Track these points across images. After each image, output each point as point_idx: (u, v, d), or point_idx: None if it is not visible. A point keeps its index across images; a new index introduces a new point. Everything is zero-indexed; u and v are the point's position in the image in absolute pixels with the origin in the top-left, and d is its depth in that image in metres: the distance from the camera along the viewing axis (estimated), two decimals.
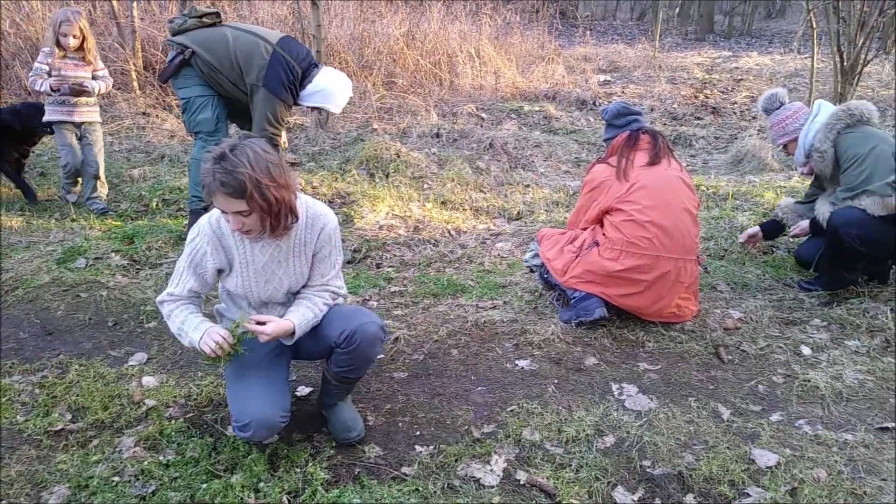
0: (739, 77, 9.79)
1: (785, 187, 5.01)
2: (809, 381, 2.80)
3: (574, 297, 3.18)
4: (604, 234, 3.12)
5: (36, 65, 4.67)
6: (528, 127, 7.27)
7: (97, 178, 4.85)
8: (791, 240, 3.99)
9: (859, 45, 6.24)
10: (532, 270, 3.52)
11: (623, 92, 9.00)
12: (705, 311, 3.35)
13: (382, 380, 2.87)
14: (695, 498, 2.20)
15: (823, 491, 2.20)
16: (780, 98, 3.59)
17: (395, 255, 4.17)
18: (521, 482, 2.28)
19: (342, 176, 5.35)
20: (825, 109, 3.44)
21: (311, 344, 2.40)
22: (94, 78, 4.78)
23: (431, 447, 2.45)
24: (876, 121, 3.37)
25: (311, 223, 2.33)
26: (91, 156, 4.81)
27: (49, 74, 4.63)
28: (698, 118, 7.74)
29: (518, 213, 4.84)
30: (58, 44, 4.64)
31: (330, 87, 4.11)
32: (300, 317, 2.28)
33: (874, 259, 3.42)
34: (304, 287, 2.41)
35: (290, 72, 4.00)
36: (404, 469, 2.35)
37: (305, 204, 2.33)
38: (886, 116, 6.91)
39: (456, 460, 2.37)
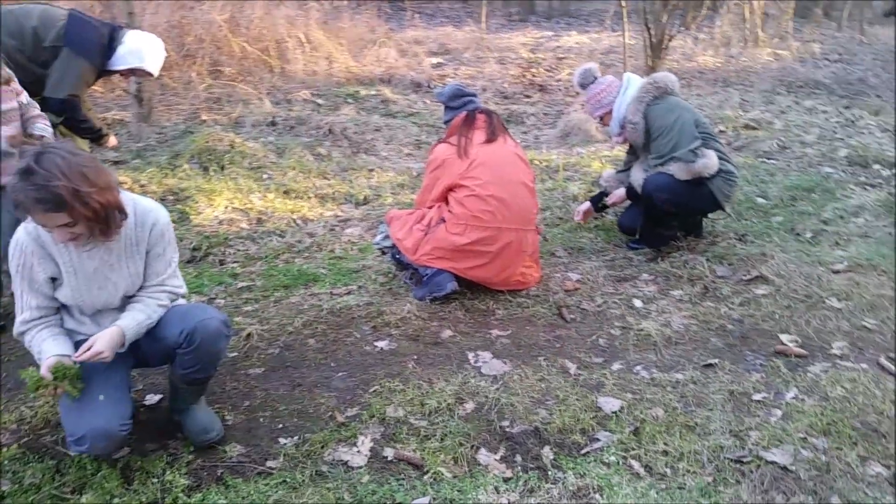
0: (562, 55, 10.36)
1: (609, 156, 5.40)
2: (643, 330, 3.07)
3: (426, 274, 3.25)
4: (449, 211, 3.21)
5: None
6: (367, 111, 7.26)
7: None
8: (618, 208, 4.31)
9: (664, 21, 6.83)
10: (383, 252, 3.55)
11: (456, 74, 9.22)
12: (547, 275, 3.55)
13: (237, 378, 2.78)
14: (551, 449, 2.36)
15: (662, 427, 2.44)
16: (593, 73, 3.84)
17: (238, 250, 4.03)
18: (389, 458, 2.32)
19: (172, 171, 5.06)
20: (634, 82, 3.74)
21: (151, 349, 2.28)
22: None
23: (296, 437, 2.42)
24: (678, 91, 3.73)
25: (142, 220, 2.19)
26: None
27: None
28: (527, 96, 8.12)
29: (365, 197, 4.84)
30: None
31: (141, 47, 3.81)
32: (129, 320, 2.15)
33: (686, 217, 3.82)
34: (139, 289, 2.27)
35: (93, 30, 3.69)
36: (269, 463, 2.30)
37: (133, 201, 2.19)
38: (691, 87, 7.64)
39: (322, 447, 2.36)
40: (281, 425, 2.49)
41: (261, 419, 2.53)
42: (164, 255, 2.26)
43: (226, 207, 4.52)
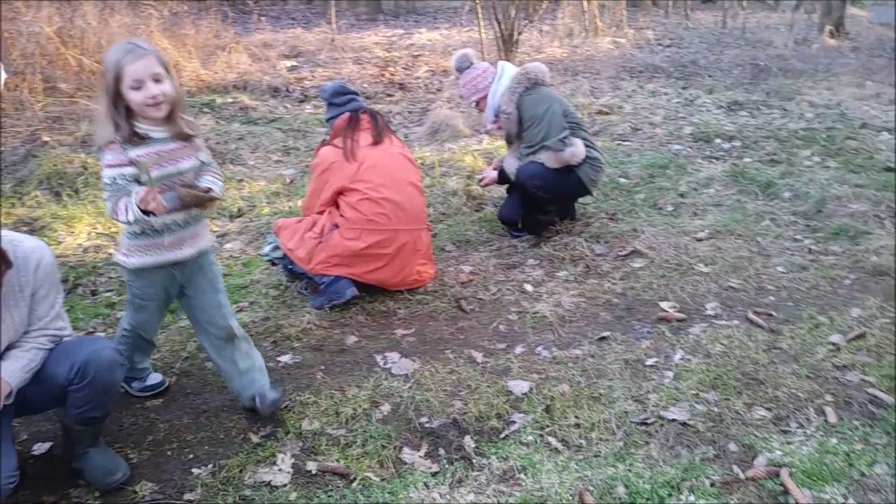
0: (417, 53, 10.49)
1: (479, 150, 5.56)
2: (538, 312, 3.21)
3: (323, 283, 3.21)
4: (342, 216, 3.18)
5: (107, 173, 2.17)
6: (226, 120, 6.98)
7: None
8: (497, 199, 4.45)
9: (513, 16, 7.10)
10: (274, 264, 3.46)
11: (312, 76, 9.08)
12: (441, 271, 3.62)
13: (135, 412, 2.61)
14: (472, 438, 2.42)
15: (570, 401, 2.57)
16: (470, 58, 3.93)
17: (111, 278, 3.76)
18: (313, 472, 2.27)
19: (20, 200, 4.63)
20: (508, 71, 3.88)
21: (37, 392, 2.08)
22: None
23: (210, 465, 2.32)
24: (549, 80, 3.92)
25: (24, 264, 2.00)
26: None
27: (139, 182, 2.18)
28: (389, 95, 8.15)
29: (239, 209, 4.67)
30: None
31: None
32: (13, 367, 1.98)
33: (559, 202, 4.03)
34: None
35: None
36: (187, 496, 2.19)
37: (12, 243, 1.99)
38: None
39: (241, 470, 2.28)
40: (192, 455, 2.38)
41: (168, 452, 2.40)
42: (47, 298, 2.08)
43: (88, 234, 4.20)
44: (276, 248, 3.34)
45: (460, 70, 3.93)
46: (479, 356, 2.89)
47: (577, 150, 3.69)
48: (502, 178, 3.94)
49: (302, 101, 7.78)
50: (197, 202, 2.26)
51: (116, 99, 2.11)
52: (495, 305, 3.32)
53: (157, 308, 2.48)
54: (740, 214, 4.23)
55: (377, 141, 3.25)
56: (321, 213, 3.27)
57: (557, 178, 3.71)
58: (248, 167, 5.59)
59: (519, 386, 2.67)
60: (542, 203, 3.92)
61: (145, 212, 2.10)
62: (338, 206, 3.23)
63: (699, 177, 4.90)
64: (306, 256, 3.20)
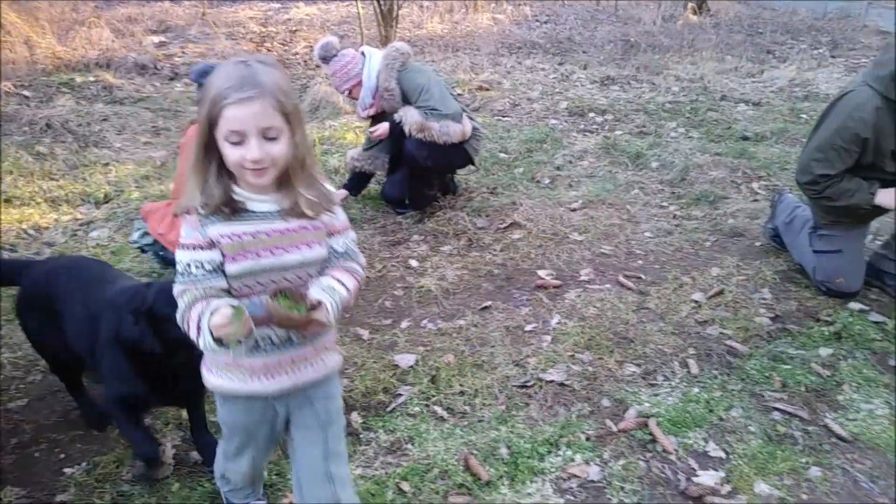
0: (294, 28, 10.18)
1: (361, 127, 5.50)
2: (423, 287, 3.25)
3: None
4: None
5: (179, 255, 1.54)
6: (88, 100, 6.53)
7: None
8: (380, 178, 4.42)
9: None
10: (144, 251, 3.29)
11: (183, 52, 8.63)
12: None
13: None
14: (359, 414, 2.43)
15: (454, 370, 2.63)
16: (334, 46, 3.83)
17: None
18: (198, 461, 2.22)
19: None
20: (374, 53, 3.83)
21: None
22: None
23: (84, 464, 2.21)
24: (413, 56, 3.92)
25: None
26: None
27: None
28: None
29: (105, 195, 4.40)
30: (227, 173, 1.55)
31: None
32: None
33: (444, 174, 4.07)
34: None
35: None
36: (59, 497, 2.09)
37: None
38: (424, 53, 7.99)
39: (117, 466, 2.19)
40: (63, 455, 2.26)
41: (36, 454, 2.26)
42: None
43: None
44: (146, 234, 3.18)
45: (325, 59, 3.81)
46: (365, 333, 2.90)
47: (466, 128, 3.74)
48: (394, 130, 3.85)
49: (172, 79, 7.39)
50: (290, 325, 1.46)
51: (209, 145, 1.42)
52: (381, 282, 3.33)
53: (249, 445, 1.73)
54: (612, 185, 4.44)
55: None
56: None
57: (444, 148, 3.73)
58: (114, 150, 5.27)
59: (405, 359, 2.71)
60: (427, 176, 3.94)
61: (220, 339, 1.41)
62: None
63: (574, 150, 5.09)
64: (177, 240, 3.06)
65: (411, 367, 2.67)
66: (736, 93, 6.80)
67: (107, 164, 4.92)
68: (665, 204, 4.22)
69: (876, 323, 2.98)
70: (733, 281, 3.32)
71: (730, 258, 3.53)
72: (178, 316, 1.48)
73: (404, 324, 2.97)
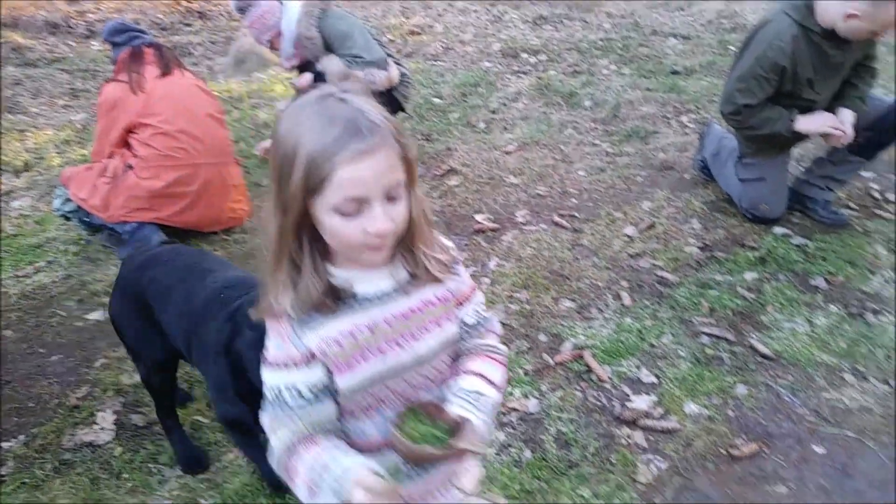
0: None
1: (290, 77, 5.35)
2: None
3: (126, 232, 3.01)
4: (135, 155, 2.96)
5: (268, 377, 1.18)
6: None
7: None
8: None
9: None
10: (67, 218, 3.17)
11: (98, 9, 8.18)
12: (258, 207, 3.51)
13: None
14: None
15: None
16: None
17: None
18: (140, 425, 2.21)
19: None
20: (291, 2, 3.69)
21: None
22: None
23: (22, 436, 2.18)
24: (334, 2, 3.80)
25: None
26: None
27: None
28: (187, 24, 7.55)
29: (25, 163, 4.20)
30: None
31: None
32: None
33: None
34: None
35: None
36: None
37: None
38: (353, 0, 7.77)
39: (58, 436, 2.17)
40: None
41: None
42: None
43: None
44: (68, 200, 3.07)
45: (242, 10, 3.65)
46: None
47: (393, 75, 3.67)
48: (319, 80, 3.76)
49: (88, 38, 7.02)
50: (428, 461, 1.09)
51: (301, 221, 1.01)
52: None
53: None
54: (546, 125, 4.46)
55: (166, 73, 3.03)
56: (112, 155, 3.03)
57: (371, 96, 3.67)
58: (30, 115, 5.02)
59: None
60: None
61: None
62: (129, 147, 3.01)
63: (508, 92, 5.07)
64: (101, 204, 2.97)
65: None
66: (666, 27, 6.85)
67: (23, 131, 4.69)
68: (598, 142, 4.27)
69: (798, 246, 3.12)
70: (664, 213, 3.41)
71: (660, 191, 3.62)
72: (274, 462, 1.13)
73: None
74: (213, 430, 2.19)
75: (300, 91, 3.86)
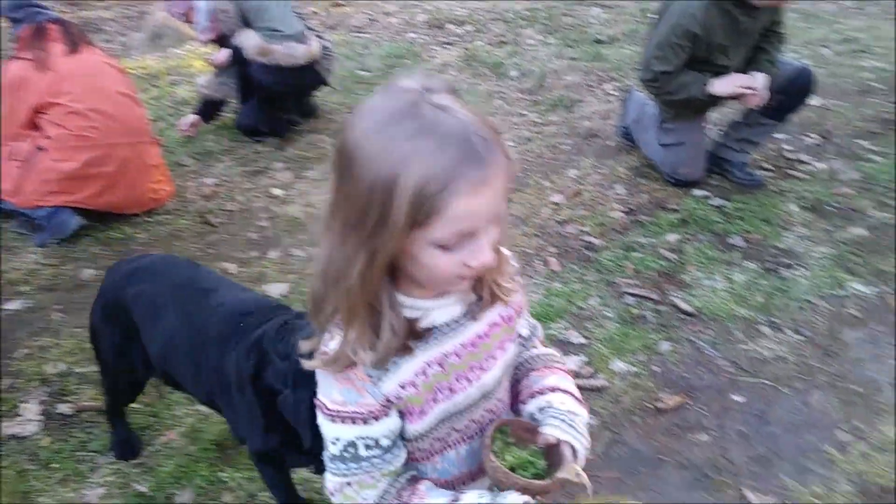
0: None
1: (209, 53, 5.19)
2: (289, 214, 3.20)
3: (40, 217, 2.88)
4: (47, 137, 2.83)
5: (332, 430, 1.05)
6: None
7: None
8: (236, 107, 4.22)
9: None
10: None
11: None
12: (180, 187, 3.41)
13: None
14: None
15: None
16: None
17: None
18: (68, 414, 2.15)
19: None
20: None
21: None
22: None
23: None
24: None
25: None
26: None
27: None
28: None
29: None
30: None
31: None
32: None
33: (297, 96, 3.94)
34: None
35: None
36: None
37: None
38: None
39: None
40: None
41: None
42: None
43: None
44: None
45: None
46: (232, 267, 2.84)
47: (313, 47, 3.61)
48: (237, 57, 3.65)
49: None
50: (521, 489, 0.96)
51: (393, 260, 0.87)
52: (244, 214, 3.24)
53: None
54: (473, 96, 4.47)
55: (73, 50, 2.89)
56: (21, 138, 2.88)
57: (293, 71, 3.60)
58: None
59: (276, 289, 2.69)
60: (281, 101, 3.81)
61: None
62: (39, 128, 2.87)
63: (435, 63, 5.06)
64: (13, 189, 2.83)
65: (283, 296, 2.65)
66: None
67: None
68: (525, 112, 4.32)
69: (717, 207, 3.25)
70: (590, 180, 3.49)
71: (586, 159, 3.70)
72: None
73: (273, 254, 2.93)
74: (145, 414, 2.15)
75: (218, 67, 3.78)
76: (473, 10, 6.41)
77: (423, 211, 0.77)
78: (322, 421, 0.96)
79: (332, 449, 0.96)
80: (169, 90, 4.51)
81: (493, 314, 1.01)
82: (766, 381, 2.31)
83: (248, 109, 3.83)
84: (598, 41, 5.58)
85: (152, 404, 2.17)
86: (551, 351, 1.16)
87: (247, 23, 3.56)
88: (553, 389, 1.06)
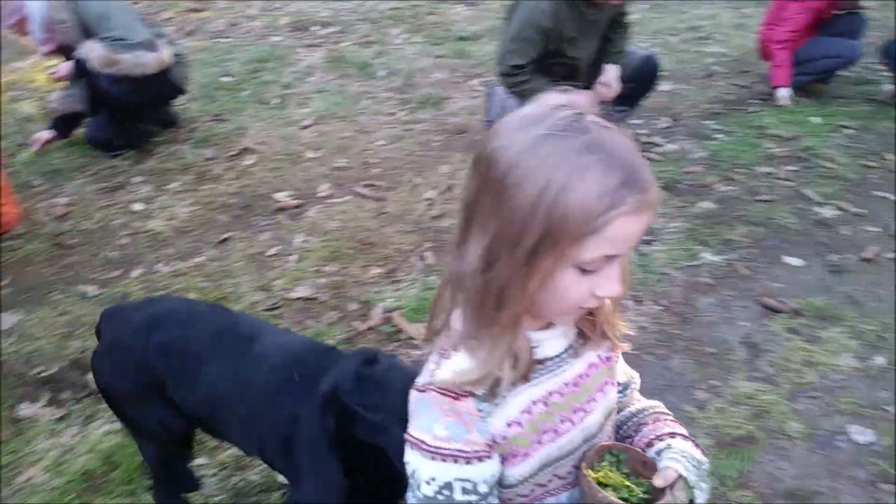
0: None
1: (54, 65, 4.86)
2: (151, 230, 3.06)
3: None
4: None
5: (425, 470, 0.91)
6: None
7: None
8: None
9: None
10: None
11: None
12: (29, 209, 3.19)
13: None
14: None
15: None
16: None
17: None
18: None
19: None
20: None
21: None
22: None
23: None
24: None
25: None
26: None
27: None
28: None
29: None
30: None
31: None
32: None
33: (153, 107, 3.77)
34: None
35: None
36: None
37: None
38: None
39: None
40: None
41: None
42: None
43: None
44: None
45: None
46: (92, 289, 2.69)
47: (164, 55, 3.46)
48: (81, 70, 3.45)
49: None
50: None
51: (548, 269, 0.79)
52: (102, 233, 3.07)
53: None
54: (341, 98, 4.45)
55: None
56: None
57: (144, 81, 3.43)
58: None
59: None
60: (134, 112, 3.62)
61: None
62: None
63: (301, 66, 4.99)
64: None
65: None
66: None
67: None
68: (394, 111, 4.34)
69: None
70: (460, 175, 3.55)
71: (456, 154, 3.76)
72: None
73: (136, 272, 2.79)
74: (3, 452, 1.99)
75: (61, 81, 3.55)
76: (338, 10, 6.37)
77: (585, 229, 0.75)
78: (416, 458, 0.88)
79: (424, 489, 0.87)
80: (12, 106, 4.19)
81: (592, 354, 0.98)
82: (632, 351, 2.44)
83: (99, 123, 3.62)
84: (463, 38, 5.69)
85: (7, 441, 2.02)
86: (656, 402, 1.11)
87: (89, 32, 3.36)
88: (672, 435, 1.01)
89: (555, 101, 0.80)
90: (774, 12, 4.58)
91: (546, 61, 3.23)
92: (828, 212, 3.17)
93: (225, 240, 2.99)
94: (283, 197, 3.32)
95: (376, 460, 1.29)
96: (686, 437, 1.00)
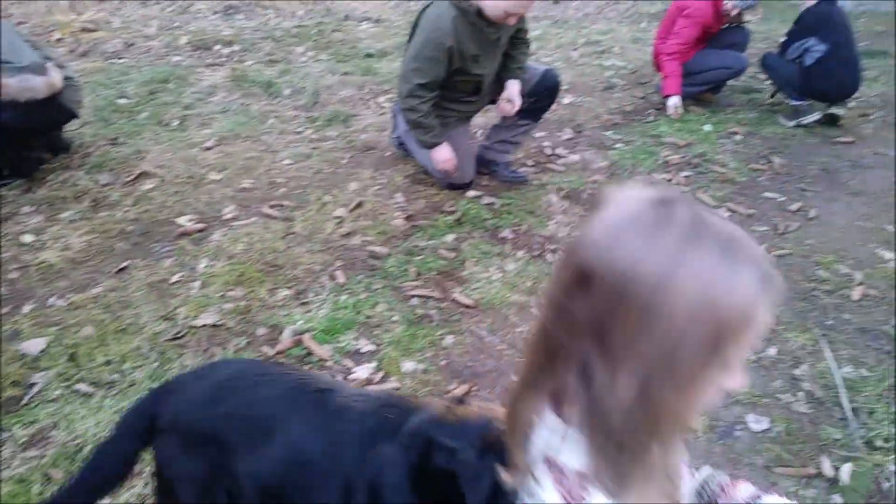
0: None
1: None
2: (43, 262, 2.89)
3: None
4: None
5: None
6: None
7: None
8: None
9: None
10: None
11: None
12: None
13: None
14: None
15: (96, 342, 2.43)
16: None
17: None
18: None
19: None
20: None
21: None
22: None
23: None
24: None
25: None
26: None
27: None
28: None
29: None
30: None
31: None
32: None
33: (43, 133, 3.58)
34: None
35: None
36: None
37: None
38: None
39: None
40: None
41: None
42: None
43: None
44: None
45: None
46: None
47: (54, 79, 3.30)
48: None
49: None
50: None
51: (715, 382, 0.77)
52: None
53: None
54: (245, 117, 4.37)
55: None
56: None
57: (33, 106, 3.26)
58: None
59: (34, 345, 2.42)
60: (22, 138, 3.42)
61: None
62: None
63: (203, 86, 4.87)
64: None
65: (43, 351, 2.40)
66: (357, 11, 7.09)
67: None
68: (301, 129, 4.30)
69: (487, 205, 3.46)
70: (370, 192, 3.55)
71: (365, 171, 3.76)
72: None
73: (27, 308, 2.63)
74: None
75: None
76: (241, 29, 6.28)
77: (745, 330, 0.73)
78: None
79: None
80: None
81: None
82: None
83: None
84: (369, 55, 5.72)
85: None
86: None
87: None
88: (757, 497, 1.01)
89: (649, 194, 0.76)
90: (665, 26, 4.83)
91: (451, 79, 3.27)
92: (721, 214, 3.34)
93: (124, 268, 2.87)
94: (185, 221, 3.22)
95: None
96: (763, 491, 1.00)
